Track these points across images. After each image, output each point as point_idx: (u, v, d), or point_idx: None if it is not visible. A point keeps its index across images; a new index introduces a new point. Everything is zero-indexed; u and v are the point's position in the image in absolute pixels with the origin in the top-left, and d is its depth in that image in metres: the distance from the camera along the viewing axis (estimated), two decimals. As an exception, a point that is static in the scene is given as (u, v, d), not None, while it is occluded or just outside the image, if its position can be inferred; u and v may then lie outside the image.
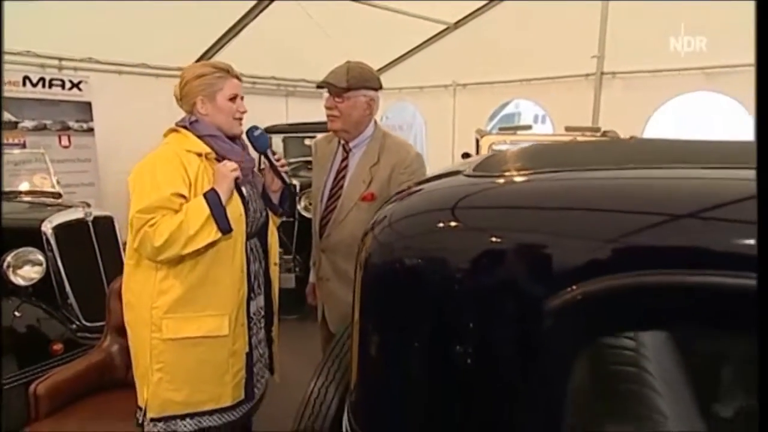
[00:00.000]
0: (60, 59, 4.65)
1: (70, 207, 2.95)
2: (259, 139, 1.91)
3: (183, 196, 1.72)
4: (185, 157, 1.77)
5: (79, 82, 4.76)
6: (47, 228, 2.70)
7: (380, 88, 2.20)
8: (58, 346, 2.50)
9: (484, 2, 6.03)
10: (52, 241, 2.70)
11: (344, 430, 1.15)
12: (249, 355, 1.94)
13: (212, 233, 1.68)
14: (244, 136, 1.92)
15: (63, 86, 4.68)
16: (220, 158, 1.87)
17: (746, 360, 1.52)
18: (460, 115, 7.01)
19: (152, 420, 1.81)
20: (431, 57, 6.90)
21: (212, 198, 1.69)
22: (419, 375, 0.93)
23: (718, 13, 4.62)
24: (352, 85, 2.05)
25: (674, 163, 0.99)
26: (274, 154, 1.93)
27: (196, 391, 1.84)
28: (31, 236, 2.68)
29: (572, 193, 0.85)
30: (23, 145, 4.39)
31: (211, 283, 1.80)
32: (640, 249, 0.73)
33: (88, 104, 4.81)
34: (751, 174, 0.75)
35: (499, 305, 0.82)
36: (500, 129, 6.24)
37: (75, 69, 4.74)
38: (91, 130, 4.83)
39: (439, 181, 0.98)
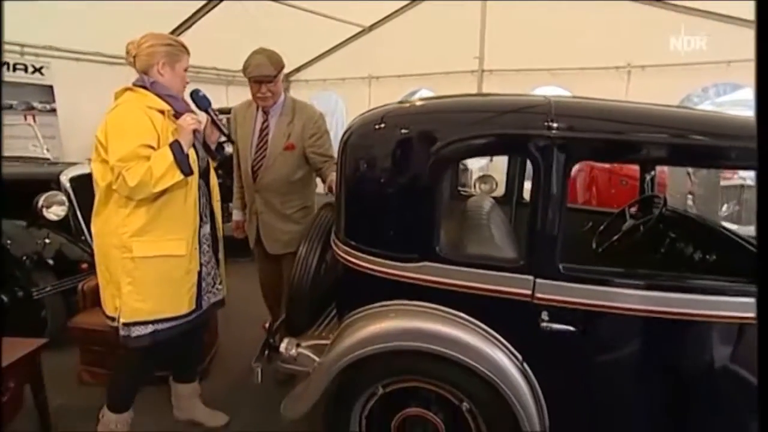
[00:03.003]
0: (22, 46, 4.83)
1: (77, 164, 3.46)
2: (203, 99, 2.09)
3: (151, 147, 1.86)
4: (150, 113, 1.89)
5: (41, 68, 5.00)
6: (65, 179, 3.20)
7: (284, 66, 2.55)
8: (85, 265, 3.04)
9: (393, 10, 6.88)
10: (69, 189, 3.20)
11: (335, 245, 2.00)
12: (199, 273, 2.10)
13: (176, 175, 1.85)
14: (187, 97, 2.07)
15: (26, 70, 4.90)
16: (177, 114, 1.97)
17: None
18: (375, 103, 7.52)
19: (125, 324, 1.99)
20: (351, 53, 7.58)
21: (176, 147, 1.86)
22: (380, 199, 1.82)
23: (572, 23, 5.84)
24: (277, 70, 2.44)
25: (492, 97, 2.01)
26: (214, 111, 2.10)
27: (158, 303, 2.00)
28: (52, 184, 3.17)
29: (438, 105, 1.84)
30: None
31: (170, 215, 1.95)
32: (465, 125, 1.71)
33: (50, 87, 5.08)
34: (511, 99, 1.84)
35: (411, 157, 1.75)
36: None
37: (36, 55, 4.96)
38: (53, 110, 5.10)
39: (379, 108, 1.90)
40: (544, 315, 1.63)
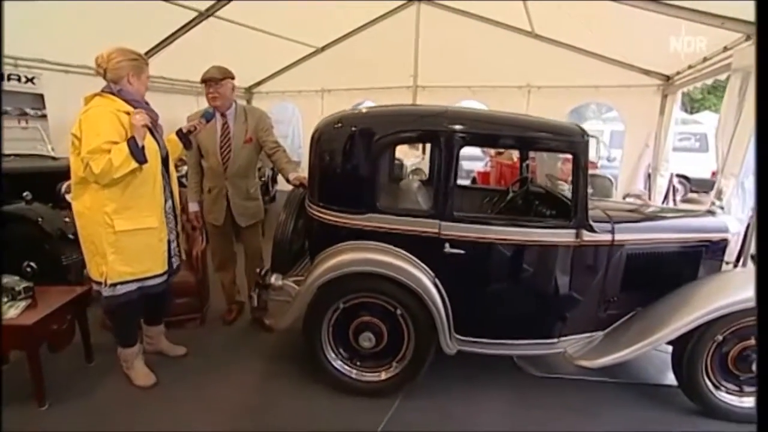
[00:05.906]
0: (15, 59, 5.00)
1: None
2: (210, 114, 2.78)
3: (116, 142, 2.08)
4: (118, 115, 2.14)
5: (32, 78, 5.22)
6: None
7: (234, 78, 2.99)
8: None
9: (342, 34, 7.37)
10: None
11: (310, 207, 2.67)
12: (168, 241, 2.43)
13: (131, 164, 2.09)
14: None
15: (19, 80, 5.07)
16: None
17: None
18: (327, 113, 7.96)
19: (112, 285, 2.27)
20: (306, 69, 7.97)
21: (131, 142, 2.10)
22: (341, 173, 2.49)
23: (487, 50, 6.51)
24: (224, 76, 2.92)
25: (413, 106, 2.77)
26: (202, 123, 2.71)
27: (140, 265, 2.31)
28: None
29: (377, 111, 2.58)
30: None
31: (142, 195, 2.24)
32: (394, 124, 2.44)
33: (41, 96, 5.30)
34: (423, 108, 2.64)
35: (360, 145, 2.43)
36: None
37: (28, 67, 5.17)
38: (44, 116, 5.32)
39: (336, 113, 2.61)
40: (447, 245, 2.39)
